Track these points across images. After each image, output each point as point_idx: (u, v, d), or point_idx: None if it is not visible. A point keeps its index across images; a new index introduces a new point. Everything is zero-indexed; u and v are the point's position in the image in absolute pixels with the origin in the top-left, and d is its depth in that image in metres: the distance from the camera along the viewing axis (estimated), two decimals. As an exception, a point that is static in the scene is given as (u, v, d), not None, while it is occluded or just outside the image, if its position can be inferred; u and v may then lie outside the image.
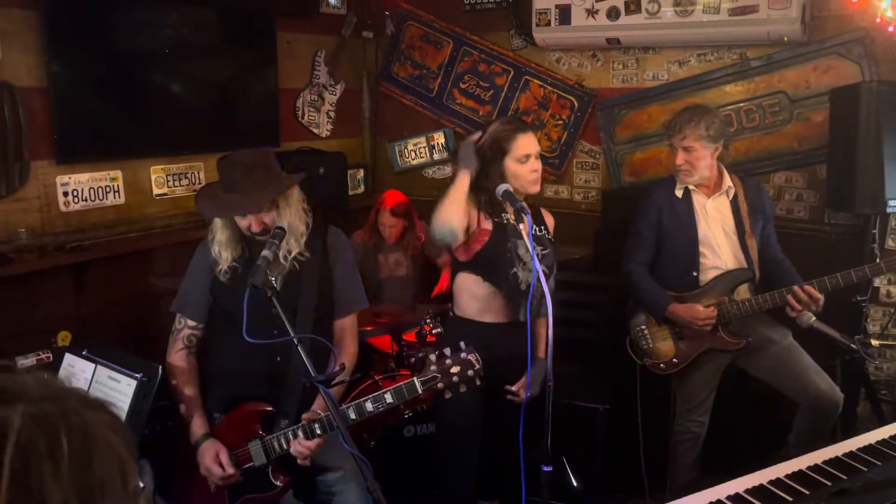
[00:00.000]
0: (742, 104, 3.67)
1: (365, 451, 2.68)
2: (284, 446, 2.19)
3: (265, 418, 2.27)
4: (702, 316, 2.86)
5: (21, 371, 0.87)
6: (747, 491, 1.81)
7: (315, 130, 4.53)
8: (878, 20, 3.02)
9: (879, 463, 1.91)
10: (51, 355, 2.68)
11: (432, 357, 2.10)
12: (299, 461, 2.19)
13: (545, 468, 2.13)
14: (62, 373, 2.12)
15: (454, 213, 2.43)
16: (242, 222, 2.25)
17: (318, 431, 2.15)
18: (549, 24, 3.88)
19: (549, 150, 4.19)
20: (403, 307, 3.67)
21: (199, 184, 3.79)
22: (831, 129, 3.18)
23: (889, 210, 2.91)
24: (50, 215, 3.23)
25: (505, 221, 2.54)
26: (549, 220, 2.73)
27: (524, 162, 2.52)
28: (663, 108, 3.82)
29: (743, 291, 2.95)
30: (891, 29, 3.00)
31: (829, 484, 1.82)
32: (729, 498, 1.78)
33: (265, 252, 2.08)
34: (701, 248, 2.94)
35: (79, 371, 2.11)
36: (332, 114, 4.62)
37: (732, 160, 3.51)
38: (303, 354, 1.96)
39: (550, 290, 2.18)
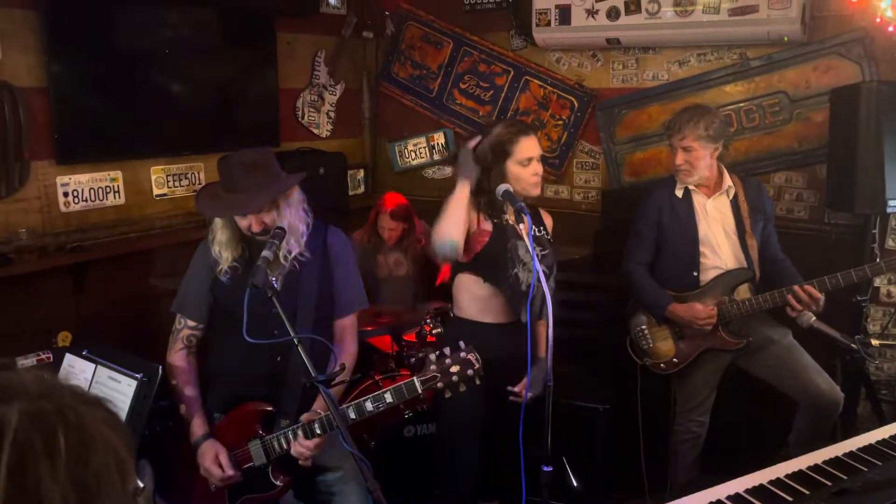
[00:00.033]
0: (742, 104, 3.67)
1: (365, 451, 2.68)
2: (284, 446, 2.20)
3: (265, 418, 2.27)
4: (702, 316, 2.86)
5: (18, 369, 0.87)
6: (747, 491, 1.81)
7: (315, 131, 4.53)
8: (878, 20, 3.02)
9: (879, 463, 1.91)
10: (51, 355, 2.68)
11: (432, 357, 2.09)
12: (300, 462, 2.19)
13: (545, 468, 2.13)
14: (62, 373, 2.12)
15: (454, 228, 2.43)
16: (243, 222, 2.25)
17: (318, 431, 2.15)
18: (549, 24, 3.88)
19: (549, 150, 4.18)
20: (403, 307, 3.67)
21: (200, 184, 3.79)
22: (831, 129, 3.18)
23: (889, 210, 2.91)
24: (50, 216, 3.24)
25: (505, 222, 2.54)
26: (548, 221, 2.73)
27: (526, 165, 2.52)
28: (663, 108, 3.82)
29: (743, 291, 2.94)
30: (891, 29, 3.00)
31: (829, 484, 1.82)
32: (729, 498, 1.78)
33: (265, 252, 2.08)
34: (701, 248, 2.94)
35: (79, 371, 2.11)
36: (332, 114, 4.62)
37: (732, 160, 3.51)
38: (303, 354, 1.96)
39: (550, 290, 2.19)
